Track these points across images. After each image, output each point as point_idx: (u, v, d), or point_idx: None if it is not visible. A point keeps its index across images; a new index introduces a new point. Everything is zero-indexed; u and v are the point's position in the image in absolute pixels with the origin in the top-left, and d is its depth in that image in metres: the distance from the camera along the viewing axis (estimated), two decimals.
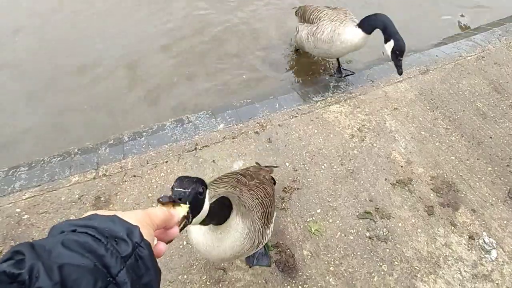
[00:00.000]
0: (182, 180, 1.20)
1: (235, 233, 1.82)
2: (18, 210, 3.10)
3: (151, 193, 3.20)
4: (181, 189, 1.15)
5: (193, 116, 3.86)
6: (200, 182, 1.22)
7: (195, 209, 1.19)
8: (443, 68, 4.21)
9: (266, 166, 2.88)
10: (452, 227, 2.95)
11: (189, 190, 1.15)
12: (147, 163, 3.41)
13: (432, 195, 3.14)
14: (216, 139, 3.58)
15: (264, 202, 2.18)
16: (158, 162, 3.41)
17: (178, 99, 4.36)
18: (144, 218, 0.83)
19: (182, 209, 1.05)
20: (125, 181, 3.29)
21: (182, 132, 3.67)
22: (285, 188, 3.21)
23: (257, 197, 2.16)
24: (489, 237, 2.88)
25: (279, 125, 3.67)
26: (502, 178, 3.24)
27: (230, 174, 2.34)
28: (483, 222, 2.97)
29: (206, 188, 1.26)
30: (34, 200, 3.17)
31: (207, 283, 2.70)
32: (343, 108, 3.84)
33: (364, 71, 4.28)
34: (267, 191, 2.28)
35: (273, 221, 2.42)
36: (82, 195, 3.19)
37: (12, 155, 3.79)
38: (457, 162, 3.35)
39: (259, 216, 2.07)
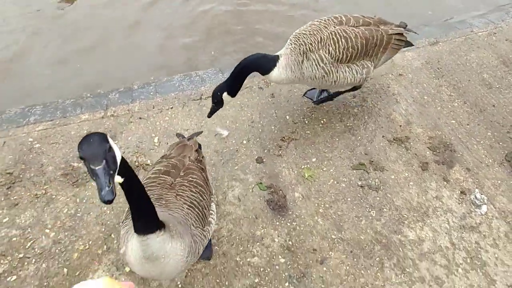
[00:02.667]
0: (90, 147, 1.21)
1: (176, 257, 1.74)
2: (30, 139, 3.30)
3: (154, 134, 3.34)
4: (98, 166, 1.19)
5: (201, 71, 3.99)
6: (104, 139, 1.24)
7: (114, 165, 1.27)
8: (453, 41, 4.20)
9: (189, 136, 2.61)
10: (445, 183, 2.97)
11: (104, 163, 1.20)
12: (153, 108, 3.56)
13: (428, 153, 3.17)
14: None
15: (196, 202, 2.01)
16: (163, 108, 3.55)
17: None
18: None
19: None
20: (131, 122, 3.44)
21: (189, 83, 3.80)
22: (284, 137, 3.30)
23: (188, 201, 1.98)
24: (481, 194, 2.89)
25: None
26: (501, 143, 3.24)
27: (152, 179, 2.11)
28: (477, 181, 2.98)
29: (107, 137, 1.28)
30: (46, 132, 3.36)
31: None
32: None
33: None
34: (196, 184, 2.10)
35: (213, 207, 2.27)
36: (90, 131, 3.36)
37: (29, 98, 4.01)
38: (457, 126, 3.37)
39: (195, 223, 1.94)
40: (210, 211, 2.19)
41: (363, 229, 2.73)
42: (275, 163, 3.13)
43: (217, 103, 2.93)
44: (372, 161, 3.12)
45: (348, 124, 3.40)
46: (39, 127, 3.40)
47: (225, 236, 2.71)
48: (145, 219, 1.59)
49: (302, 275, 2.52)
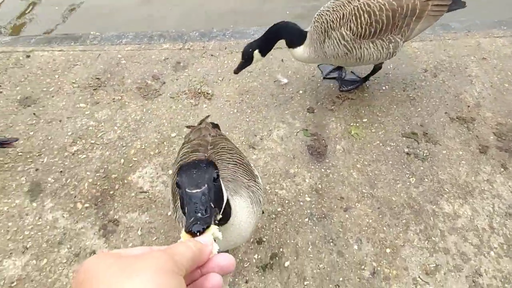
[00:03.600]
0: (190, 172, 0.95)
1: (243, 211, 1.53)
2: (119, 56, 3.82)
3: (220, 70, 3.62)
4: (195, 190, 0.90)
5: None
6: (211, 165, 1.00)
7: (219, 202, 1.01)
8: None
9: (197, 125, 2.43)
10: (502, 169, 2.74)
11: (204, 188, 0.91)
12: (225, 49, 3.83)
13: (492, 137, 2.93)
14: None
15: (239, 160, 1.90)
16: (234, 50, 3.81)
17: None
18: (167, 264, 0.58)
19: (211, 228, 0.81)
20: (203, 57, 3.77)
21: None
22: (340, 95, 3.32)
23: (230, 161, 1.86)
24: None
25: None
26: None
27: (182, 156, 2.00)
28: None
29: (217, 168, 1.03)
30: (132, 53, 3.85)
31: (243, 143, 3.03)
32: (426, 47, 3.71)
33: (466, 22, 4.01)
34: (230, 148, 1.99)
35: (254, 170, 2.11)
36: (168, 58, 3.77)
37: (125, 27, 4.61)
38: None
39: (247, 177, 1.83)
40: (252, 167, 2.07)
41: (397, 192, 2.68)
42: (325, 115, 3.19)
43: (247, 60, 2.95)
44: (426, 133, 2.99)
45: (410, 95, 3.29)
46: (127, 48, 3.91)
47: (260, 166, 2.88)
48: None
49: (323, 216, 2.59)
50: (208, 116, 2.59)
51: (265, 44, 2.89)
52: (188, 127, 2.69)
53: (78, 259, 2.46)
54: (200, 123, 2.42)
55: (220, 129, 2.44)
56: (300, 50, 2.87)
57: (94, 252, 2.48)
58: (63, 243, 2.53)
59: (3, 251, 2.48)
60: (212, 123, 2.41)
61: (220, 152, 1.91)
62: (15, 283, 2.34)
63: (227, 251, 1.85)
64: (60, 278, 2.38)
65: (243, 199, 1.60)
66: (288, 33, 2.85)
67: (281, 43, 2.91)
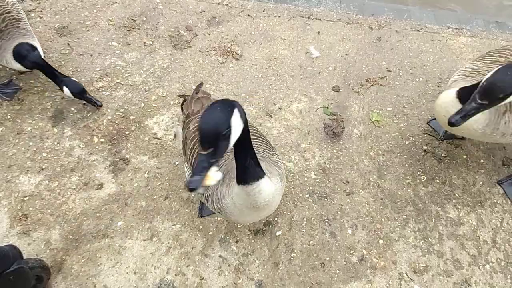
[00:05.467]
0: (207, 119, 1.21)
1: (278, 191, 1.73)
2: (157, 0, 3.80)
3: (254, 32, 3.54)
4: (203, 152, 1.21)
5: None
6: (226, 115, 1.21)
7: (218, 153, 1.24)
8: None
9: (195, 91, 2.40)
10: None
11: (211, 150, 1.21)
12: (263, 11, 3.72)
13: None
14: (331, 18, 3.66)
15: (257, 133, 1.91)
16: (272, 14, 3.69)
17: None
18: None
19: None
20: (240, 16, 3.68)
21: (305, 2, 3.83)
22: (369, 79, 3.20)
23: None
24: None
25: (396, 31, 3.54)
26: None
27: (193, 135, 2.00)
28: None
29: (233, 109, 1.24)
30: (170, 0, 3.83)
31: (261, 110, 3.01)
32: (474, 43, 3.46)
33: None
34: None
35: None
36: (204, 11, 3.72)
37: None
38: None
39: (270, 151, 1.89)
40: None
41: (404, 187, 2.62)
42: (349, 97, 3.10)
43: None
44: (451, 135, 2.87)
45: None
46: None
47: (273, 135, 2.88)
48: (251, 170, 1.52)
49: (324, 195, 2.59)
50: (202, 83, 2.49)
51: None
52: (180, 96, 2.59)
53: (86, 188, 2.61)
54: (196, 92, 2.35)
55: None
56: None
57: (101, 185, 2.62)
58: (75, 171, 2.69)
59: (21, 167, 2.66)
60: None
61: None
62: (27, 198, 2.53)
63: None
64: (68, 202, 2.55)
65: (276, 178, 1.73)
66: None
67: None
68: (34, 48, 2.74)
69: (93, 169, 2.70)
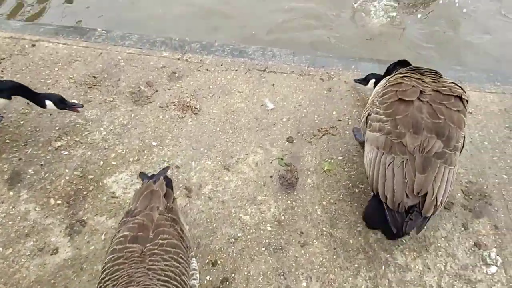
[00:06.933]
0: None
1: None
2: (119, 57, 3.94)
3: (212, 86, 3.72)
4: None
5: (276, 49, 4.23)
6: None
7: None
8: None
9: (157, 175, 2.35)
10: (462, 229, 2.79)
11: None
12: (221, 65, 3.93)
13: (459, 194, 2.98)
14: (285, 70, 3.90)
15: (172, 273, 1.80)
16: (229, 68, 3.90)
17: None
18: None
19: None
20: (199, 70, 3.87)
21: (260, 55, 4.08)
22: (321, 129, 3.39)
23: (162, 275, 1.76)
24: (497, 255, 2.66)
25: (345, 81, 3.80)
26: None
27: (118, 252, 1.84)
28: (499, 241, 2.74)
29: None
30: (132, 56, 3.97)
31: (219, 163, 3.13)
32: None
33: (460, 72, 4.05)
34: (170, 246, 1.87)
35: (194, 263, 2.10)
36: (165, 66, 3.88)
37: (135, 26, 4.74)
38: (507, 182, 3.07)
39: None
40: (191, 272, 2.02)
41: (355, 235, 2.75)
42: (303, 147, 3.27)
43: (363, 80, 3.48)
44: None
45: None
46: (129, 50, 4.03)
47: (231, 189, 2.98)
48: None
49: (280, 247, 2.67)
50: (168, 168, 2.57)
51: (382, 77, 3.13)
52: (140, 175, 2.51)
53: (41, 253, 2.58)
54: (155, 179, 2.27)
55: (172, 188, 2.35)
56: None
57: (57, 249, 2.60)
58: (30, 236, 2.66)
59: None
60: (166, 177, 2.34)
61: (155, 255, 1.81)
62: None
63: None
64: (21, 270, 2.51)
65: None
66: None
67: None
68: (5, 80, 3.04)
69: (48, 233, 2.68)
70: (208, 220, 2.79)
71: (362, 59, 4.13)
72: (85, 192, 2.91)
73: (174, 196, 2.31)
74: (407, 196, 2.28)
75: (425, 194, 2.27)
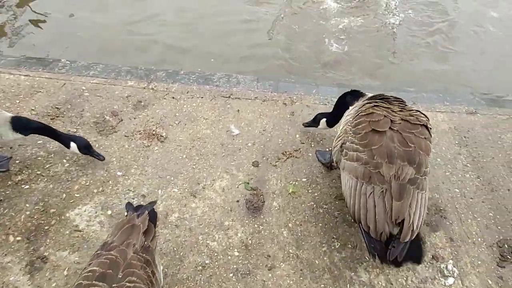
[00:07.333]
0: None
1: None
2: (83, 88, 3.94)
3: (178, 113, 3.78)
4: None
5: (241, 76, 4.38)
6: None
7: None
8: (494, 116, 4.05)
9: (143, 208, 2.29)
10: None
11: None
12: (187, 93, 4.01)
13: None
14: (249, 96, 4.04)
15: None
16: (195, 95, 3.99)
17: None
18: None
19: None
20: (165, 98, 3.93)
21: (226, 82, 4.21)
22: (285, 152, 3.51)
23: None
24: (454, 267, 2.80)
25: (307, 105, 3.98)
26: (499, 227, 3.08)
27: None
28: (455, 253, 2.89)
29: None
30: (97, 86, 3.98)
31: (186, 191, 3.15)
32: None
33: (413, 94, 4.34)
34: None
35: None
36: (130, 96, 3.91)
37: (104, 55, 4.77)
38: (459, 196, 3.28)
39: None
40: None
41: (321, 255, 2.82)
42: (268, 170, 3.36)
43: (313, 123, 3.49)
44: None
45: None
46: (93, 80, 4.04)
47: (197, 215, 2.99)
48: None
49: (248, 272, 2.69)
50: (155, 202, 2.51)
51: (335, 115, 3.26)
52: (126, 206, 2.41)
53: None
54: (139, 213, 2.21)
55: (155, 223, 2.31)
56: None
57: None
58: None
59: None
60: (153, 211, 2.31)
61: None
62: None
63: None
64: None
65: None
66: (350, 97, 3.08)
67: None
68: (27, 118, 3.06)
69: (7, 272, 2.58)
70: (175, 248, 2.78)
71: (322, 84, 4.35)
72: (46, 227, 2.83)
73: (155, 233, 2.22)
74: (388, 225, 2.35)
75: (403, 221, 2.33)
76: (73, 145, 3.03)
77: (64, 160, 3.27)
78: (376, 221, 2.34)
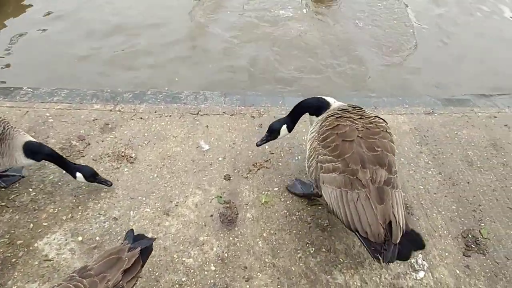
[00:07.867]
0: None
1: None
2: (47, 114, 3.87)
3: (147, 134, 3.78)
4: None
5: (208, 92, 4.44)
6: None
7: None
8: (450, 115, 4.31)
9: (136, 243, 2.18)
10: None
11: None
12: (155, 112, 4.02)
13: None
14: (217, 111, 4.10)
15: None
16: (163, 114, 4.00)
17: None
18: None
19: None
20: (132, 119, 3.92)
21: (193, 99, 4.26)
22: (256, 163, 3.57)
23: None
24: (423, 260, 2.92)
25: (274, 116, 4.06)
26: (462, 219, 3.25)
27: None
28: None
29: None
30: (61, 111, 3.93)
31: (158, 210, 3.13)
32: None
33: (374, 99, 4.55)
34: None
35: None
36: (97, 119, 3.88)
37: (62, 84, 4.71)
38: (423, 192, 3.44)
39: None
40: None
41: (297, 262, 2.86)
42: (240, 183, 3.40)
43: (271, 134, 3.18)
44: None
45: None
46: (58, 106, 3.98)
47: (172, 233, 2.98)
48: None
49: (225, 286, 2.69)
50: (155, 238, 2.49)
51: (292, 120, 3.15)
52: (127, 233, 2.31)
53: None
54: (132, 247, 2.11)
55: (146, 260, 2.17)
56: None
57: None
58: None
59: None
60: (146, 249, 2.16)
61: None
62: None
63: None
64: None
65: None
66: (314, 107, 3.04)
67: None
68: (40, 144, 3.02)
69: None
70: (150, 269, 2.75)
71: (289, 94, 4.48)
72: (14, 260, 2.73)
73: (139, 272, 2.08)
74: (381, 225, 2.38)
75: (390, 222, 2.39)
76: (79, 175, 3.03)
77: (30, 189, 3.18)
78: (370, 225, 2.38)
